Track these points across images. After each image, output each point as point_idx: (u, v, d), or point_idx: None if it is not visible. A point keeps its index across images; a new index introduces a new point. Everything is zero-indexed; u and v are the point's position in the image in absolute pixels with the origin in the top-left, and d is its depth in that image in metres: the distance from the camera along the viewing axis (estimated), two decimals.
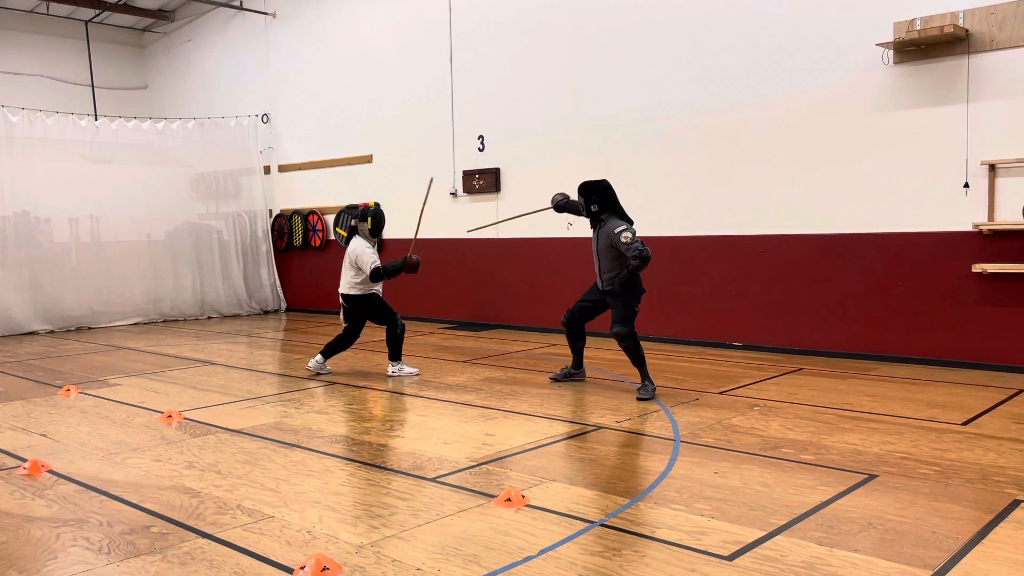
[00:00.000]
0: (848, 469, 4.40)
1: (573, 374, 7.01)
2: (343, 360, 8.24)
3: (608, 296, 6.60)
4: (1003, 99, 6.98)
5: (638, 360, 6.42)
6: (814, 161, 8.03)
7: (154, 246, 12.53)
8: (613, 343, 8.86)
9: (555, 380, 7.00)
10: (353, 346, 7.97)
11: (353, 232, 7.54)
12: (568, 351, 7.11)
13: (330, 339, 7.75)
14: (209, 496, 4.14)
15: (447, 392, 6.69)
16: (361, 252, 7.27)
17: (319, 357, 7.67)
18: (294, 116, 13.31)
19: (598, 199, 6.50)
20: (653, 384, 6.40)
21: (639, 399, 6.25)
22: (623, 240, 6.25)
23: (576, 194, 6.64)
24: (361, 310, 7.46)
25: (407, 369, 7.55)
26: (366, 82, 12.11)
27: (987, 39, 6.99)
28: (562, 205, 6.95)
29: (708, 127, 8.70)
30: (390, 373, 7.53)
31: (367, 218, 7.43)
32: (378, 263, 7.25)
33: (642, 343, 6.50)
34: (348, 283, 7.42)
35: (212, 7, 14.12)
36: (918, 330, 7.53)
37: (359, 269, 7.30)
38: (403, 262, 7.29)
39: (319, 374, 7.63)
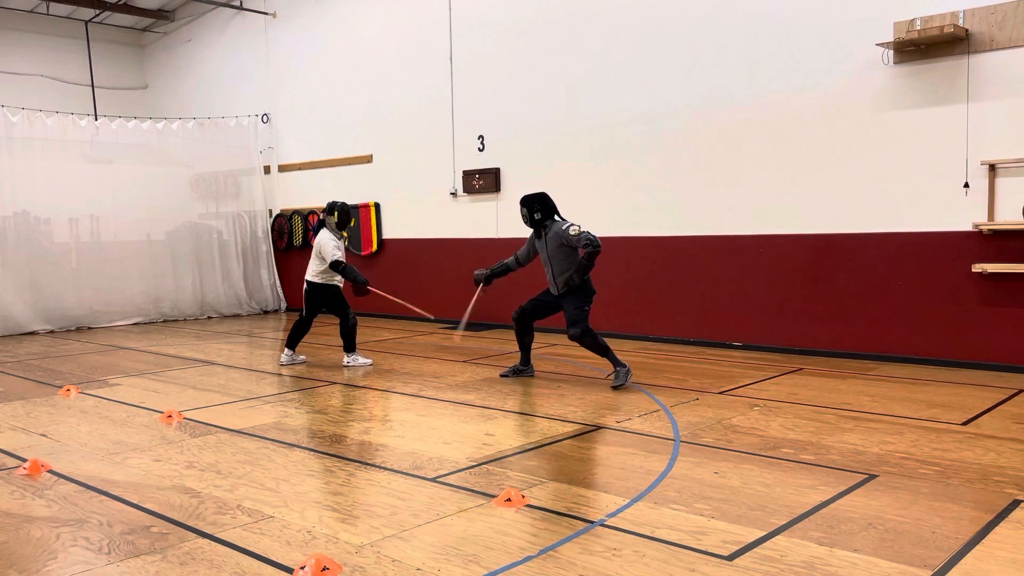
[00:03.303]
0: (848, 469, 4.40)
1: (521, 371, 7.21)
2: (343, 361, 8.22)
3: (562, 299, 6.84)
4: (1003, 99, 6.98)
5: (602, 350, 6.69)
6: (814, 161, 8.03)
7: (154, 246, 12.53)
8: (614, 344, 8.79)
9: (504, 377, 7.21)
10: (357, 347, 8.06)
11: (321, 225, 8.02)
12: (517, 348, 7.33)
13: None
14: (209, 496, 4.14)
15: (447, 392, 6.69)
16: (325, 243, 7.77)
17: (287, 350, 8.15)
18: (294, 116, 13.31)
19: (540, 207, 6.81)
20: (625, 366, 6.66)
21: (615, 387, 6.55)
22: (571, 233, 6.58)
23: (520, 206, 6.94)
24: (320, 297, 7.94)
25: (361, 360, 8.02)
26: (366, 82, 12.11)
27: (987, 39, 6.99)
28: (487, 276, 7.26)
29: (708, 127, 8.70)
30: (345, 363, 7.97)
31: (334, 212, 7.91)
32: (338, 256, 7.71)
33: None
34: (312, 271, 7.93)
35: (212, 7, 14.12)
36: (918, 330, 7.53)
37: (322, 259, 7.77)
38: (361, 280, 7.74)
39: (293, 364, 8.10)
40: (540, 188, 9.96)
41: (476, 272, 7.30)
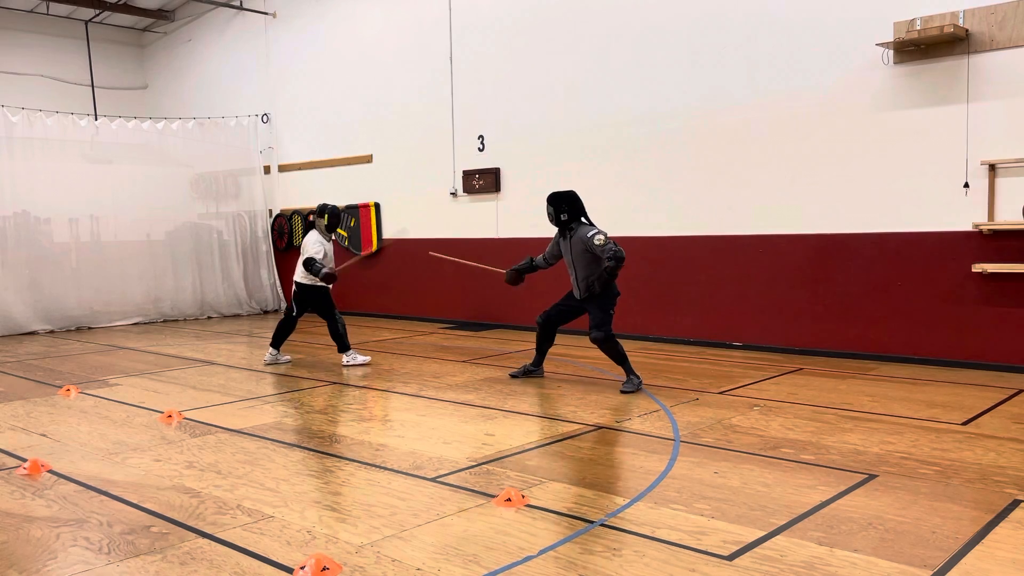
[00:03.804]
0: (848, 469, 4.40)
1: (532, 371, 7.18)
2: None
3: (585, 303, 6.75)
4: (1003, 99, 6.98)
5: (620, 358, 6.63)
6: (814, 161, 8.03)
7: (154, 246, 12.52)
8: None
9: (514, 376, 7.17)
10: (355, 346, 8.07)
11: (311, 226, 8.10)
12: (533, 348, 7.30)
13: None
14: (209, 496, 4.14)
15: (447, 392, 6.69)
16: (308, 244, 7.88)
17: (271, 349, 8.21)
18: (294, 116, 13.31)
19: (567, 208, 6.67)
20: (638, 378, 6.61)
21: (623, 391, 6.48)
22: (596, 243, 6.46)
23: (546, 204, 6.80)
24: (308, 299, 8.00)
25: (359, 357, 8.05)
26: (366, 82, 12.12)
27: (987, 39, 6.99)
28: (517, 276, 7.20)
29: (708, 127, 8.70)
30: (344, 363, 7.99)
31: (323, 214, 8.00)
32: (314, 256, 7.78)
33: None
34: (300, 273, 7.99)
35: (212, 7, 14.12)
36: (918, 330, 7.53)
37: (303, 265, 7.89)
38: (329, 271, 7.77)
39: (277, 364, 8.17)
40: (539, 188, 10.00)
41: (508, 272, 7.21)
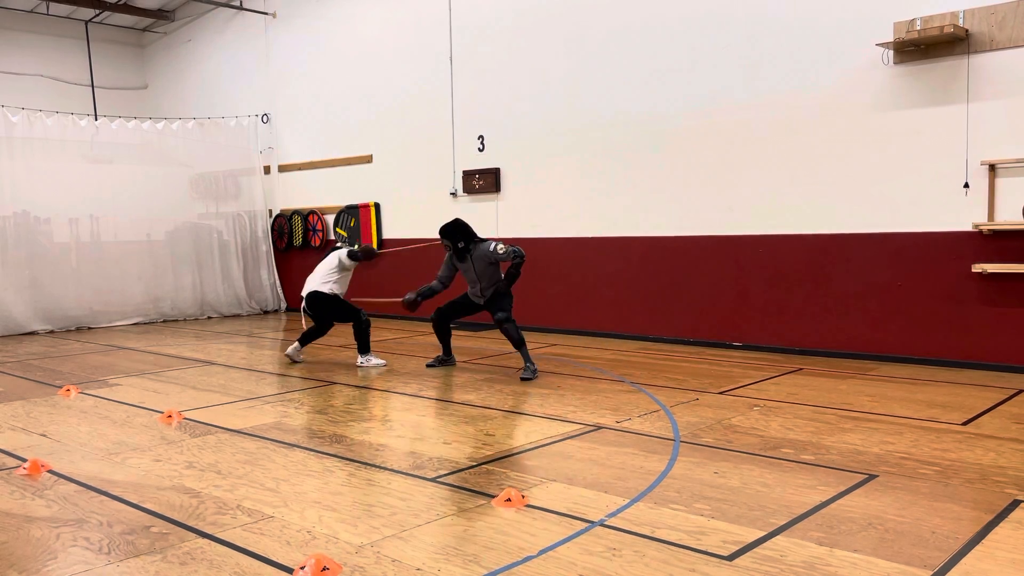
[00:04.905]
0: (848, 469, 4.40)
1: (446, 360, 7.84)
2: (343, 360, 8.21)
3: (488, 302, 7.44)
4: (1003, 99, 6.98)
5: (519, 343, 7.20)
6: (814, 161, 8.03)
7: (154, 246, 12.52)
8: (614, 344, 8.91)
9: (430, 366, 7.79)
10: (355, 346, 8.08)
11: (334, 249, 8.35)
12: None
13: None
14: (209, 496, 4.14)
15: (447, 392, 6.69)
16: (331, 257, 8.10)
17: (296, 344, 8.30)
18: (294, 116, 13.31)
19: (462, 236, 7.33)
20: (534, 364, 7.22)
21: (523, 379, 6.98)
22: (500, 252, 7.20)
23: (441, 238, 7.42)
24: (329, 308, 8.05)
25: (374, 360, 8.09)
26: (366, 82, 12.12)
27: (987, 39, 6.99)
28: (418, 301, 7.61)
29: (708, 127, 8.70)
30: (359, 364, 8.04)
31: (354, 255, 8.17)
32: (347, 252, 8.10)
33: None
34: (324, 284, 8.03)
35: (212, 7, 14.12)
36: (918, 330, 7.53)
37: (333, 269, 8.00)
38: (367, 248, 8.45)
39: (293, 362, 8.24)
40: (539, 188, 10.06)
41: (406, 297, 7.61)
